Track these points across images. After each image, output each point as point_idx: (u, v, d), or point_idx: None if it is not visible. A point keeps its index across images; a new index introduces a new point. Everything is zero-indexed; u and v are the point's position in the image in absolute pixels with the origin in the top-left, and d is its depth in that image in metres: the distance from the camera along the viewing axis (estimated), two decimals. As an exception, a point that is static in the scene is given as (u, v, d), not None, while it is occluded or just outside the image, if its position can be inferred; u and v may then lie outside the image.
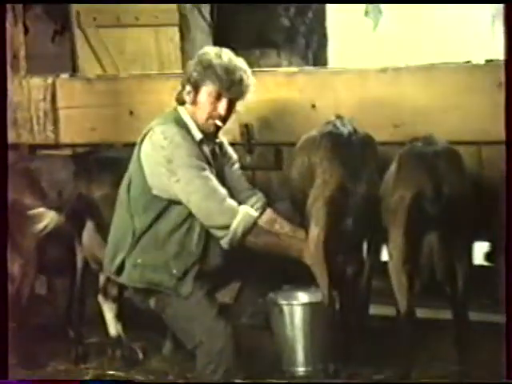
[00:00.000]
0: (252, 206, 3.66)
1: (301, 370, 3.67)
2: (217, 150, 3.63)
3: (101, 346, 4.09)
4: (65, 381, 3.67)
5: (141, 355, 3.97)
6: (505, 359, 2.77)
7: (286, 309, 3.65)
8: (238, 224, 3.38)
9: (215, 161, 3.58)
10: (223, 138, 3.70)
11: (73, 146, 4.56)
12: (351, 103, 3.96)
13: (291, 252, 3.48)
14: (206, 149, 3.52)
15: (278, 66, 6.68)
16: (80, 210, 3.90)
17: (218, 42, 6.28)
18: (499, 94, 3.42)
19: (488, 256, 3.67)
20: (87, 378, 3.76)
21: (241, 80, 3.46)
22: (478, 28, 5.96)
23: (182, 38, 6.18)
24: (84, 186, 3.91)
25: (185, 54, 6.00)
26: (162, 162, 3.39)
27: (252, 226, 3.41)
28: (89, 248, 3.93)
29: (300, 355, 3.66)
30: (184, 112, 3.52)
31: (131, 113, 4.41)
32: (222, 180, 3.61)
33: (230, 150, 3.74)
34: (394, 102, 3.91)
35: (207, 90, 3.46)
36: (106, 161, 4.00)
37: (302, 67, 4.74)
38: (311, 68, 4.56)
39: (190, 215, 3.42)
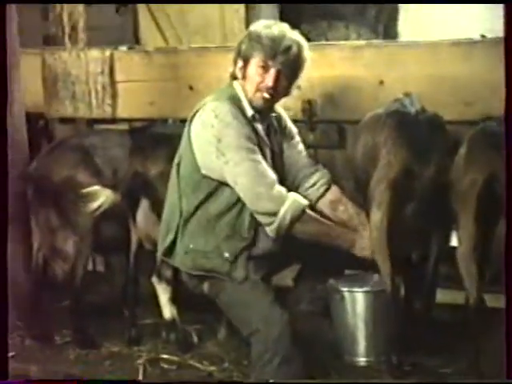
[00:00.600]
0: (316, 183, 3.52)
1: (362, 360, 3.51)
2: (275, 124, 3.48)
3: (155, 328, 3.98)
4: (64, 381, 3.55)
5: (196, 339, 3.86)
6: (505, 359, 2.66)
7: (347, 296, 3.49)
8: (286, 211, 3.20)
9: (271, 137, 3.43)
10: (282, 111, 3.53)
11: (130, 120, 4.45)
12: (421, 79, 3.76)
13: (341, 243, 3.29)
14: (260, 126, 3.37)
15: (347, 38, 6.48)
16: (135, 188, 3.78)
17: (285, 14, 6.11)
18: None
19: None
20: (140, 361, 3.66)
21: (288, 49, 3.28)
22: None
23: (248, 10, 6.01)
24: (139, 163, 3.79)
25: (249, 27, 5.81)
26: (211, 140, 3.25)
27: (301, 214, 3.22)
28: (143, 227, 3.82)
29: (361, 345, 3.50)
30: (238, 87, 3.38)
31: (191, 87, 4.26)
32: (280, 157, 3.47)
33: (289, 123, 3.57)
34: (467, 77, 3.70)
35: (255, 62, 3.30)
36: (161, 137, 3.88)
37: (369, 40, 4.52)
38: (379, 41, 4.34)
39: (241, 198, 3.28)
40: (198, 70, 4.26)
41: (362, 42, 4.10)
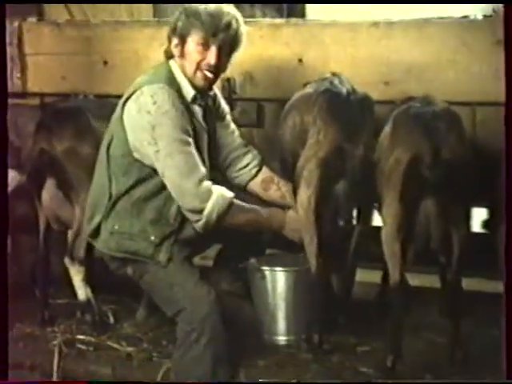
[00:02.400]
0: (248, 164, 3.53)
1: (282, 339, 3.49)
2: (210, 104, 3.43)
3: (70, 308, 3.87)
4: (71, 381, 3.47)
5: (112, 319, 3.77)
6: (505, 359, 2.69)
7: (268, 275, 3.46)
8: (212, 208, 3.18)
9: (207, 119, 3.38)
10: (217, 90, 3.50)
11: (42, 95, 4.28)
12: (340, 58, 3.76)
13: (271, 226, 3.33)
14: (199, 107, 3.32)
15: (252, 16, 6.44)
16: (41, 166, 3.65)
17: (191, -11, 6.01)
18: (497, 52, 3.27)
19: (486, 223, 3.50)
20: (55, 342, 3.55)
21: (229, 25, 3.24)
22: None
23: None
24: (45, 140, 3.64)
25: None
26: (146, 127, 3.17)
27: (227, 208, 3.21)
28: (49, 206, 3.71)
29: (282, 324, 3.48)
30: (175, 67, 3.30)
31: (105, 62, 4.12)
32: (214, 139, 3.43)
33: (222, 103, 3.54)
34: (386, 58, 3.70)
35: (194, 39, 3.24)
36: (67, 111, 3.73)
37: (288, 18, 4.50)
38: (298, 20, 4.29)
39: None
40: (112, 45, 4.10)
41: (281, 21, 4.06)
